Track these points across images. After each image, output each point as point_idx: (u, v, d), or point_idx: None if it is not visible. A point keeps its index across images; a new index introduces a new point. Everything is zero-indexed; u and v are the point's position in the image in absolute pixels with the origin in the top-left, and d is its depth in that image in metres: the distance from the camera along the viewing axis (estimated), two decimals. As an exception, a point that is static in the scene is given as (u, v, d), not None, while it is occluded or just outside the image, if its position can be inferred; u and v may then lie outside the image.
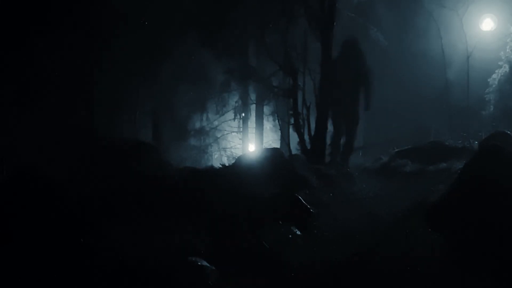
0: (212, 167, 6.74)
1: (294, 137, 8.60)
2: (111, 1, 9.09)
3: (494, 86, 12.05)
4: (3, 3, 7.76)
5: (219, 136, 16.03)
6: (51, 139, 7.22)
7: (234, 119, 16.42)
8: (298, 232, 3.44)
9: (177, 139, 13.64)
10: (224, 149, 16.08)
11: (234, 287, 2.51)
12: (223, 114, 16.03)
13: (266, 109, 15.94)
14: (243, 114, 16.40)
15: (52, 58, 8.14)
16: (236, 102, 16.20)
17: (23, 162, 5.86)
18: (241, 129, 16.60)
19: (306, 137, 8.02)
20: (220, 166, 6.59)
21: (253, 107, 16.17)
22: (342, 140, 7.88)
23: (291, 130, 8.92)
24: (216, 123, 16.00)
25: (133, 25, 9.90)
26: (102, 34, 9.11)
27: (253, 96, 15.54)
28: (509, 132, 6.44)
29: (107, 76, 9.54)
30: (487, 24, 12.20)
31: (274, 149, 6.60)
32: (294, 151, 8.48)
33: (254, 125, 16.23)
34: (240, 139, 16.53)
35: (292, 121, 8.43)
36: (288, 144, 9.30)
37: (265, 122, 16.28)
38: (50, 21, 8.10)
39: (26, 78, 7.94)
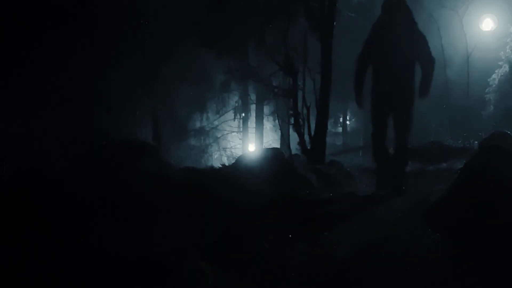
0: (212, 167, 6.74)
1: (294, 137, 8.61)
2: (111, 1, 9.10)
3: (494, 86, 12.07)
4: (3, 4, 7.77)
5: (219, 136, 16.07)
6: (51, 138, 7.22)
7: (234, 119, 16.48)
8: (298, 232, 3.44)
9: (177, 139, 13.66)
10: (224, 149, 16.11)
11: (234, 287, 2.51)
12: (223, 114, 16.07)
13: (266, 109, 15.96)
14: (243, 114, 16.45)
15: (53, 57, 8.14)
16: (236, 102, 16.24)
17: (24, 161, 5.87)
18: (241, 129, 16.64)
19: (306, 137, 8.03)
20: (220, 166, 6.59)
21: (253, 107, 16.21)
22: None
23: (291, 130, 8.93)
24: (216, 123, 16.05)
25: (134, 25, 9.90)
26: (102, 34, 9.11)
27: (253, 96, 15.56)
28: (509, 132, 6.46)
29: (108, 76, 9.54)
30: (487, 24, 12.23)
31: (274, 149, 6.61)
32: (294, 151, 8.49)
33: (254, 125, 16.26)
34: (240, 139, 16.56)
35: (292, 121, 8.44)
36: (288, 144, 9.32)
37: (265, 122, 16.32)
38: (51, 22, 8.10)
39: (27, 77, 7.94)
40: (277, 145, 13.00)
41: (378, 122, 5.32)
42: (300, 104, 8.34)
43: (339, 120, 19.22)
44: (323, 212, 4.12)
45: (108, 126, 9.76)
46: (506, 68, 11.79)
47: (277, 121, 11.66)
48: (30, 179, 2.97)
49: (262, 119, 16.13)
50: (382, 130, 5.31)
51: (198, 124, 15.61)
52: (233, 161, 7.33)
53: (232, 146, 16.35)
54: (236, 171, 5.34)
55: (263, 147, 12.80)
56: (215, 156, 15.65)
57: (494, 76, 11.99)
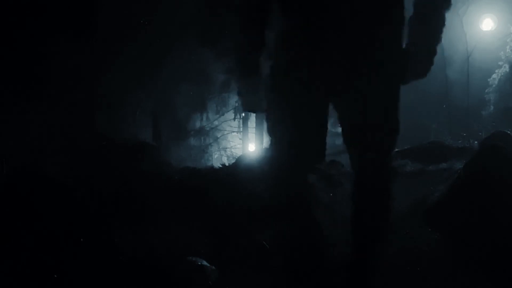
0: (212, 167, 6.75)
1: (294, 137, 8.60)
2: (112, 2, 9.11)
3: (494, 86, 12.07)
4: (4, 4, 7.78)
5: (219, 136, 16.06)
6: (51, 138, 7.23)
7: (234, 119, 16.46)
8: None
9: (177, 139, 13.67)
10: (224, 149, 16.11)
11: (234, 287, 2.51)
12: (223, 114, 16.06)
13: (266, 109, 15.92)
14: (243, 114, 16.43)
15: (54, 57, 8.15)
16: (236, 102, 16.22)
17: (24, 161, 5.87)
18: (241, 129, 16.62)
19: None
20: (220, 166, 6.59)
21: (253, 107, 16.16)
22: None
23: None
24: (216, 123, 16.03)
25: (134, 25, 9.91)
26: (103, 34, 9.12)
27: (253, 96, 15.53)
28: (509, 132, 6.45)
29: (108, 76, 9.55)
30: (487, 24, 12.22)
31: (274, 149, 6.59)
32: (294, 151, 8.48)
33: (254, 125, 16.25)
34: (240, 139, 16.55)
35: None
36: (288, 144, 9.31)
37: (265, 122, 16.28)
38: (52, 22, 8.11)
39: (27, 77, 7.94)
40: (277, 145, 12.98)
41: (293, 136, 2.09)
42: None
43: (339, 120, 19.17)
44: (324, 212, 4.12)
45: (108, 126, 9.76)
46: (506, 68, 11.79)
47: (277, 121, 11.63)
48: (29, 179, 2.97)
49: (262, 119, 16.10)
50: (302, 158, 2.16)
51: (198, 124, 15.61)
52: (233, 161, 7.32)
53: (232, 146, 16.34)
54: (236, 171, 5.34)
55: (263, 147, 12.79)
56: (215, 156, 15.65)
57: (494, 76, 11.99)
